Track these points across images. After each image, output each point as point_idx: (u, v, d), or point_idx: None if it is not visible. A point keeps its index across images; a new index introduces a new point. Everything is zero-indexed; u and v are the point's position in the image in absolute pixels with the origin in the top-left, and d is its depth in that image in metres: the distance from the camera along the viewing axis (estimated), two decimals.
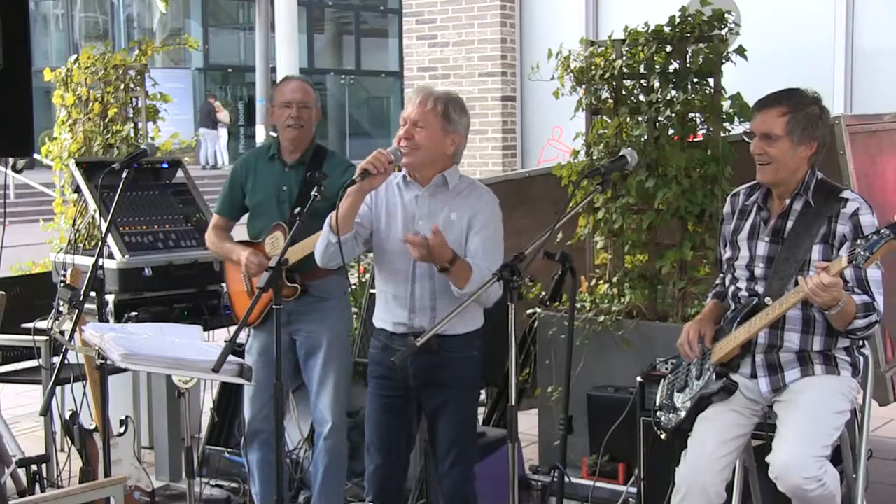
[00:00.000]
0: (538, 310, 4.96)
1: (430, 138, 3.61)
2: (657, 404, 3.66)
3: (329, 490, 4.30)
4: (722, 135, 4.65)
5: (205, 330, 4.33)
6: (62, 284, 4.34)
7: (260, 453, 4.36)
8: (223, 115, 26.39)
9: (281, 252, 3.56)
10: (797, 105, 3.38)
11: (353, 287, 5.46)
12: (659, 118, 4.71)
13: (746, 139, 3.47)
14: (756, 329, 3.35)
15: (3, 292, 4.86)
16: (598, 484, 4.46)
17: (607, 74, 4.82)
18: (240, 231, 4.38)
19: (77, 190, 5.52)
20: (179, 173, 5.64)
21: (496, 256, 3.62)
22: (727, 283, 3.60)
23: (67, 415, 4.70)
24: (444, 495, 3.75)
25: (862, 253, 3.03)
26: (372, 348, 3.81)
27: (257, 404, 4.30)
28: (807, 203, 3.40)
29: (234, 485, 5.00)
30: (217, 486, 5.05)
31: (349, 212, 3.56)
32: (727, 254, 3.60)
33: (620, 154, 3.61)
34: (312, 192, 3.74)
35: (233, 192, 4.39)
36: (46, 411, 4.42)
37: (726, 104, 4.62)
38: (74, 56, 6.04)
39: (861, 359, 3.48)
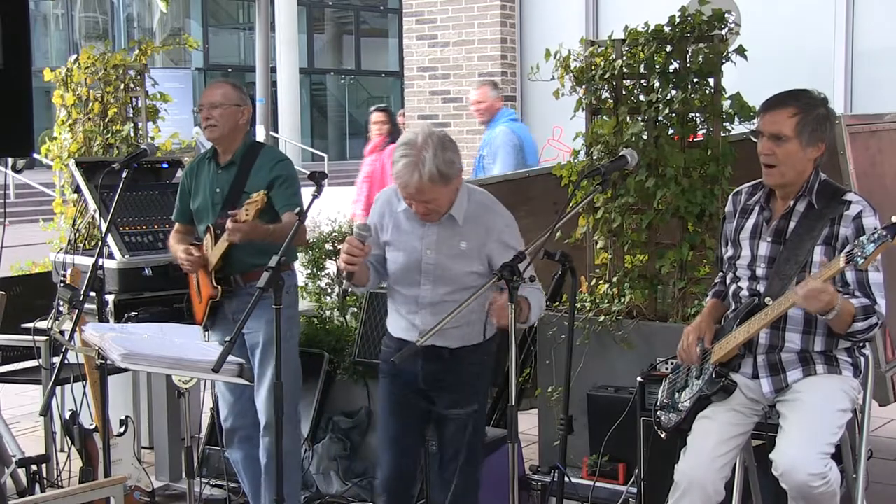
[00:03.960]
0: None
1: (444, 201, 3.49)
2: (658, 404, 3.66)
3: (272, 487, 4.23)
4: (722, 135, 4.65)
5: (204, 330, 4.34)
6: (62, 284, 4.35)
7: (242, 451, 4.37)
8: None
9: (280, 252, 3.55)
10: (807, 106, 3.37)
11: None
12: (659, 118, 4.71)
13: (753, 138, 3.47)
14: (755, 329, 3.35)
15: (3, 292, 4.86)
16: (598, 484, 4.45)
17: (607, 74, 4.82)
18: None
19: (77, 190, 5.52)
20: (179, 173, 5.63)
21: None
22: (728, 281, 3.60)
23: (67, 415, 4.71)
24: (446, 501, 3.72)
25: (859, 253, 3.03)
26: (384, 346, 3.79)
27: (227, 403, 4.35)
28: (810, 204, 3.39)
29: (234, 485, 4.99)
30: (217, 486, 5.05)
31: (361, 277, 3.57)
32: (728, 252, 3.60)
33: (620, 154, 3.61)
34: (312, 192, 3.74)
35: (182, 197, 4.49)
36: (46, 411, 4.42)
37: (726, 104, 4.62)
38: (74, 56, 6.04)
39: (862, 359, 3.47)
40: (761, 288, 3.43)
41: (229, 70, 31.87)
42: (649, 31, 4.72)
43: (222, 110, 4.30)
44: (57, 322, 4.49)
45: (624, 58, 4.79)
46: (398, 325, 3.70)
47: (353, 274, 3.47)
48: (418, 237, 3.57)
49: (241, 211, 3.96)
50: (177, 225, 4.54)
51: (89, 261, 4.40)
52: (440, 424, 3.70)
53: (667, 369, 3.93)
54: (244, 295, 4.21)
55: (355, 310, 5.34)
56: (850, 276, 3.29)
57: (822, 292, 3.11)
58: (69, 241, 5.59)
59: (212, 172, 4.37)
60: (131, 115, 6.00)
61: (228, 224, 4.00)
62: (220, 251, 4.16)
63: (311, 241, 5.43)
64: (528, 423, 5.05)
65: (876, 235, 3.02)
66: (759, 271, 3.46)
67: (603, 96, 4.92)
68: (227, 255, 4.18)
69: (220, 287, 4.24)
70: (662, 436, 3.60)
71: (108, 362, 3.78)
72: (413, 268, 3.57)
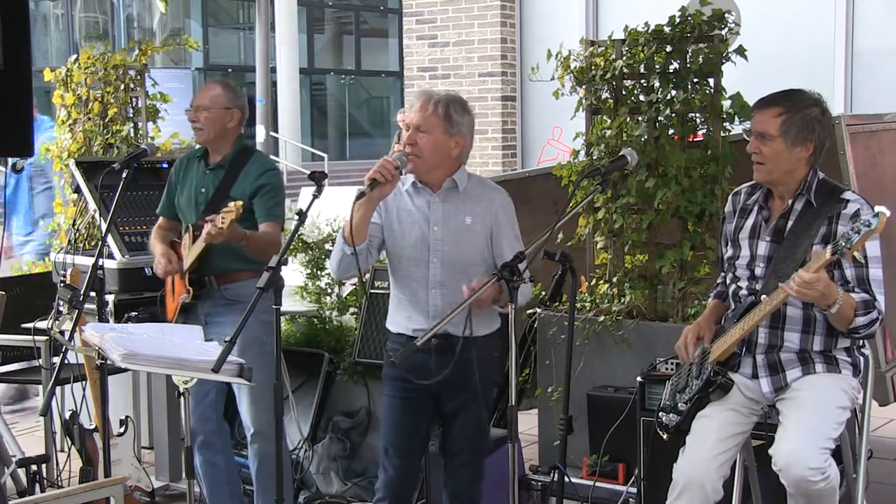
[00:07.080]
0: (538, 310, 4.95)
1: (434, 142, 3.59)
2: (661, 406, 3.66)
3: (266, 493, 4.23)
4: (722, 135, 4.65)
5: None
6: (62, 284, 4.34)
7: (200, 456, 4.32)
8: None
9: (281, 252, 3.54)
10: (795, 106, 3.38)
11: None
12: (659, 118, 4.71)
13: (746, 138, 3.49)
14: (750, 325, 3.35)
15: (3, 292, 4.86)
16: (598, 484, 4.45)
17: (607, 74, 4.82)
18: None
19: (77, 190, 5.52)
20: None
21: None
22: (728, 282, 3.60)
23: (67, 415, 4.70)
24: (450, 493, 3.75)
25: (844, 244, 3.03)
26: (388, 350, 3.77)
27: (191, 405, 4.24)
28: (808, 203, 3.40)
29: None
30: None
31: (361, 222, 3.51)
32: (728, 252, 3.60)
33: (620, 154, 3.61)
34: (313, 192, 3.73)
35: (169, 192, 4.47)
36: (46, 411, 4.42)
37: (726, 104, 4.62)
38: (74, 56, 6.04)
39: (861, 359, 3.48)
40: (760, 287, 3.44)
41: (229, 70, 31.85)
42: (649, 31, 4.72)
43: (208, 114, 4.26)
44: (57, 322, 4.48)
45: (624, 58, 4.79)
46: (408, 319, 3.68)
47: (377, 184, 3.42)
48: (424, 215, 3.64)
49: (218, 218, 3.91)
50: (161, 220, 4.51)
51: (89, 261, 4.39)
52: (450, 419, 3.71)
53: (667, 369, 3.92)
54: (217, 297, 4.24)
55: (355, 310, 5.34)
56: (849, 272, 3.30)
57: (816, 282, 3.11)
58: (69, 241, 5.59)
59: (200, 171, 4.34)
60: (131, 115, 6.00)
61: (208, 227, 3.96)
62: (197, 253, 4.13)
63: (311, 241, 5.43)
64: (528, 423, 5.05)
65: (859, 225, 3.03)
66: (758, 270, 3.46)
67: (603, 96, 4.92)
68: (202, 257, 4.16)
69: (192, 289, 4.23)
70: (665, 437, 3.60)
71: (108, 362, 3.78)
72: (421, 245, 3.63)
